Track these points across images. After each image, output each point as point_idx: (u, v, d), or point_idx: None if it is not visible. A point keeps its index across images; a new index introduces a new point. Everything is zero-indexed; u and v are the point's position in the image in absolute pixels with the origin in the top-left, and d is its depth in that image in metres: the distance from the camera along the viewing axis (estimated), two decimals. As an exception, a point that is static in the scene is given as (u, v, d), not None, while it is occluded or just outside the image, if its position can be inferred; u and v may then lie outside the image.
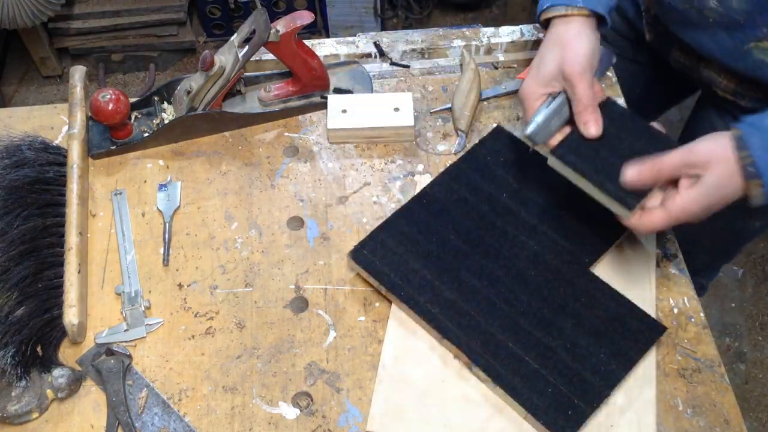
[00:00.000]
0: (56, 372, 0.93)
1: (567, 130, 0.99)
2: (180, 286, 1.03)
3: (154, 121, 1.19)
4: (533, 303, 0.97)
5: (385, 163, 1.16)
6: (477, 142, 1.14)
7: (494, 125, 1.19)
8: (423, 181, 1.12)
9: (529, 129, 0.98)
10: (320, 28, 2.71)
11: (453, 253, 1.01)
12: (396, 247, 1.02)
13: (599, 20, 1.01)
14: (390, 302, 1.00)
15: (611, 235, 1.03)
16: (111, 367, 0.94)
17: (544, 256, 1.01)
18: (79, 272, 1.00)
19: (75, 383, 0.94)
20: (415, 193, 1.09)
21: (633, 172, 0.87)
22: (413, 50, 1.30)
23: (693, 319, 0.99)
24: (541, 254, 1.01)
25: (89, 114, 1.16)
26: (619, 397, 0.91)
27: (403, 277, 0.99)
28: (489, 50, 1.31)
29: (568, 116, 0.99)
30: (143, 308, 1.00)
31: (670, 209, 0.86)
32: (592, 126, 0.95)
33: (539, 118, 0.98)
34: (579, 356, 0.92)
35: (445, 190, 1.08)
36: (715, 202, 0.85)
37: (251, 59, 1.17)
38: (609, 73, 1.25)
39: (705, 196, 0.84)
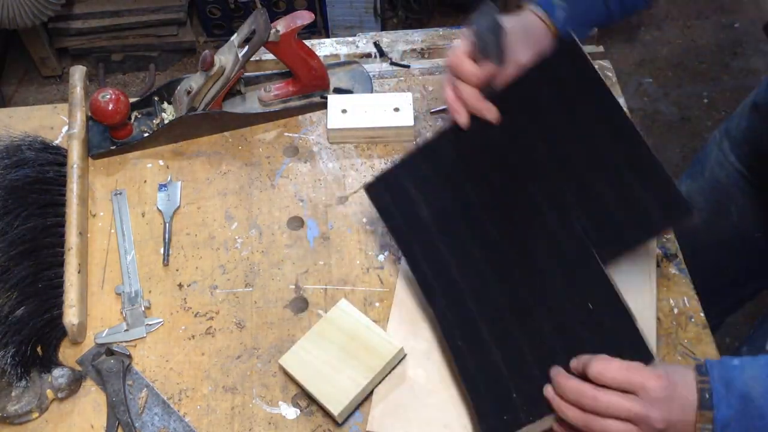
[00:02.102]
0: (56, 372, 0.93)
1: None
2: (180, 286, 1.03)
3: (154, 121, 1.19)
4: (525, 294, 0.89)
5: (385, 163, 1.16)
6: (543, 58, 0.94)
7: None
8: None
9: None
10: (320, 28, 2.71)
11: (465, 213, 0.94)
12: (412, 188, 0.97)
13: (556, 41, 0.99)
14: (390, 302, 1.00)
15: (640, 235, 0.88)
16: (111, 367, 0.94)
17: (560, 242, 0.88)
18: (79, 272, 1.00)
19: (75, 383, 0.94)
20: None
21: (549, 389, 0.81)
22: (413, 50, 1.30)
23: (693, 319, 0.99)
24: (556, 237, 0.88)
25: (89, 114, 1.16)
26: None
27: (408, 223, 0.96)
28: (489, 50, 1.30)
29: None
30: (143, 308, 1.00)
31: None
32: (491, 112, 0.93)
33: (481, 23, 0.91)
34: (545, 365, 0.83)
35: (478, 137, 0.94)
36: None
37: (251, 59, 1.17)
38: (609, 74, 1.26)
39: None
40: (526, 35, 0.95)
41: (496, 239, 0.92)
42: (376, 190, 1.00)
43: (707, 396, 0.74)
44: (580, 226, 0.88)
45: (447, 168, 0.96)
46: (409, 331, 0.98)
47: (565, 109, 0.91)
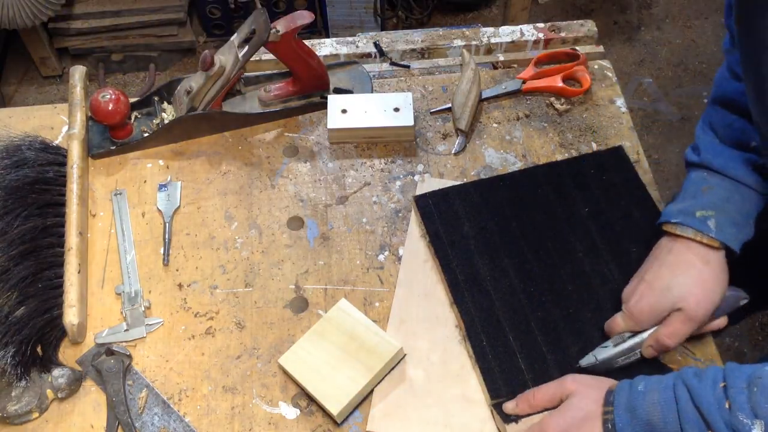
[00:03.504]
0: (56, 372, 0.93)
1: None
2: (180, 286, 1.03)
3: (154, 121, 1.19)
4: (554, 320, 0.97)
5: (385, 163, 1.16)
6: (593, 152, 1.15)
7: (495, 125, 1.19)
8: (424, 179, 1.12)
9: (585, 361, 0.92)
10: (320, 28, 2.70)
11: (504, 235, 1.04)
12: (459, 208, 1.06)
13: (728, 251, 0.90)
14: (390, 302, 1.00)
15: None
16: (111, 367, 0.94)
17: (586, 272, 1.01)
18: (79, 272, 1.00)
19: (75, 383, 0.94)
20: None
21: (510, 406, 0.89)
22: (413, 50, 1.30)
23: (693, 319, 0.98)
24: (584, 267, 1.01)
25: (89, 114, 1.16)
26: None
27: (450, 237, 1.03)
28: (489, 50, 1.31)
29: (636, 358, 0.92)
30: (143, 308, 1.00)
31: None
32: (650, 351, 0.90)
33: (602, 356, 0.91)
34: (563, 365, 0.93)
35: (530, 181, 1.10)
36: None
37: (251, 59, 1.17)
38: (609, 74, 1.26)
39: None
40: (701, 283, 0.88)
41: (530, 261, 1.02)
42: (424, 201, 1.08)
43: (609, 427, 0.79)
44: (607, 269, 1.01)
45: (496, 202, 1.07)
46: (409, 332, 0.98)
47: (607, 190, 1.08)
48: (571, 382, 0.85)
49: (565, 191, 1.09)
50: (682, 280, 0.88)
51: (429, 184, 1.12)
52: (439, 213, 1.06)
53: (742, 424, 0.71)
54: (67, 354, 0.98)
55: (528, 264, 1.01)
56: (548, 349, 0.94)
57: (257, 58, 1.27)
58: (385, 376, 0.94)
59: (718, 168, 0.93)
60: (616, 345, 0.91)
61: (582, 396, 0.83)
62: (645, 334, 0.90)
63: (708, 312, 0.88)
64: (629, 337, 0.91)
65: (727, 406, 0.72)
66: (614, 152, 1.14)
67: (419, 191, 1.11)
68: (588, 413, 0.81)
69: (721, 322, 0.92)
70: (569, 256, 1.02)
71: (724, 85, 0.97)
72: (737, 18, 0.81)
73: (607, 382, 0.84)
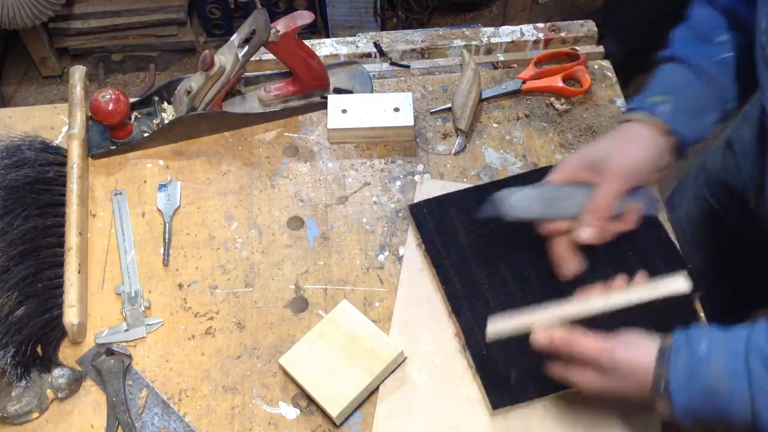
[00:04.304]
0: (56, 372, 0.93)
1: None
2: (180, 286, 1.03)
3: (154, 121, 1.19)
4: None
5: (385, 163, 1.16)
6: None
7: (495, 125, 1.19)
8: (423, 181, 1.12)
9: (506, 193, 0.91)
10: (320, 28, 2.70)
11: (504, 248, 1.01)
12: (454, 217, 1.04)
13: (679, 144, 0.91)
14: (390, 302, 1.00)
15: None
16: (111, 367, 0.94)
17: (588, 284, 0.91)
18: (79, 272, 1.00)
19: (75, 383, 0.94)
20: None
21: (542, 336, 0.81)
22: (413, 50, 1.30)
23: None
24: (586, 283, 0.90)
25: (89, 114, 1.16)
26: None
27: (446, 246, 1.02)
28: (489, 50, 1.31)
29: (555, 213, 0.90)
30: (143, 308, 1.00)
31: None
32: (588, 232, 0.87)
33: (525, 192, 0.91)
34: None
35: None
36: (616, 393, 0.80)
37: (251, 59, 1.17)
38: (609, 73, 1.26)
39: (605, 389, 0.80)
40: (629, 143, 0.88)
41: (527, 268, 0.99)
42: (419, 209, 1.06)
43: (663, 385, 0.74)
44: (606, 273, 0.91)
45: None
46: (412, 334, 0.98)
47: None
48: (622, 348, 0.77)
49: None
50: (616, 140, 0.89)
51: (428, 184, 1.12)
52: (434, 221, 1.04)
53: None
54: (67, 354, 0.98)
55: (525, 271, 0.99)
56: (548, 356, 0.92)
57: (257, 58, 1.27)
58: (386, 378, 0.94)
59: (680, 56, 0.92)
60: (539, 187, 0.91)
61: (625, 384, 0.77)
62: (572, 187, 0.90)
63: (633, 169, 0.86)
64: (560, 187, 0.90)
65: None
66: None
67: (418, 192, 1.11)
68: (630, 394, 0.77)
69: (636, 207, 0.90)
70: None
71: None
72: None
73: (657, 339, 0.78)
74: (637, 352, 0.77)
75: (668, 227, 1.04)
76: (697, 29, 0.94)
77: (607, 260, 0.97)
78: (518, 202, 0.90)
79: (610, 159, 0.87)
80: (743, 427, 0.72)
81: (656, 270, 0.89)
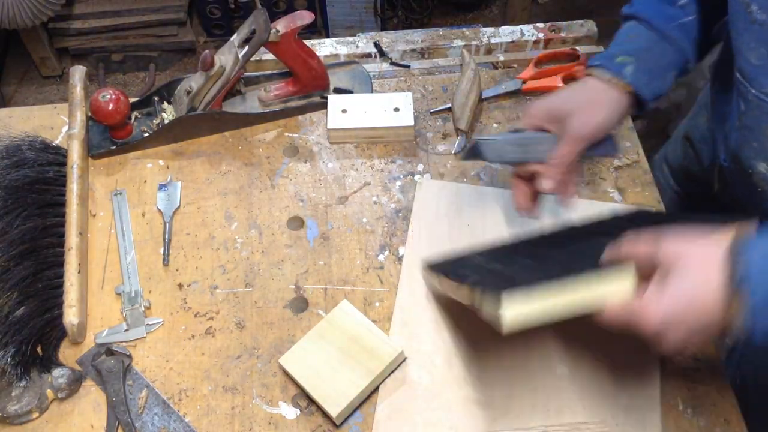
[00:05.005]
0: (56, 372, 0.93)
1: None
2: (180, 286, 1.03)
3: (154, 121, 1.19)
4: None
5: (385, 163, 1.16)
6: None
7: (495, 125, 1.19)
8: (423, 181, 1.12)
9: (483, 137, 0.96)
10: (320, 28, 2.70)
11: (518, 246, 0.98)
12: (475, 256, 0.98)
13: (639, 101, 0.95)
14: (390, 302, 1.00)
15: None
16: (111, 367, 0.94)
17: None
18: (79, 272, 1.00)
19: (75, 383, 0.94)
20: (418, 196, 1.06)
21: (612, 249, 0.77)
22: (413, 50, 1.30)
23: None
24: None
25: (89, 114, 1.16)
26: (623, 397, 0.91)
27: (462, 270, 0.94)
28: (489, 50, 1.31)
29: (528, 157, 0.95)
30: (143, 308, 1.00)
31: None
32: (549, 183, 0.92)
33: (499, 138, 0.96)
34: None
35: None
36: (684, 310, 0.68)
37: (251, 59, 1.17)
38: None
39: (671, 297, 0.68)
40: (591, 105, 0.92)
41: (546, 255, 0.93)
42: (433, 266, 1.00)
43: (736, 275, 0.64)
44: None
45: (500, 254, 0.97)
46: (412, 334, 0.98)
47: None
48: (673, 245, 0.69)
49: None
50: (580, 96, 0.94)
51: (428, 184, 1.12)
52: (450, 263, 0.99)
53: None
54: (67, 354, 0.98)
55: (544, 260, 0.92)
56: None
57: (257, 58, 1.27)
58: (386, 378, 0.94)
59: (644, 17, 0.95)
60: (514, 133, 0.96)
61: (692, 259, 0.67)
62: (541, 134, 0.95)
63: (593, 130, 0.91)
64: (535, 133, 0.95)
65: None
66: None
67: (418, 192, 1.10)
68: (704, 281, 0.65)
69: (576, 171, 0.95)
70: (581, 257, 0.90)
71: None
72: None
73: (718, 236, 0.68)
74: (698, 241, 0.68)
75: None
76: None
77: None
78: (497, 148, 0.96)
79: (573, 117, 0.92)
80: None
81: None
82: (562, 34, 1.30)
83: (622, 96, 0.93)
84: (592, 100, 0.92)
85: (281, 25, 1.11)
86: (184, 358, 0.97)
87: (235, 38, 1.13)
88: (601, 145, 0.95)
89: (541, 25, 1.32)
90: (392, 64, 1.29)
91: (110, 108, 1.11)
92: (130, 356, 0.96)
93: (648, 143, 1.26)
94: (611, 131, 0.95)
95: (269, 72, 1.25)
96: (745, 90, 0.86)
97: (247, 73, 1.22)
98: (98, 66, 2.66)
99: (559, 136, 0.93)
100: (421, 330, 0.98)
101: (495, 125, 1.19)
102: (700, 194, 1.23)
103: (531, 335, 0.92)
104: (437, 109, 1.22)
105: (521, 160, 0.96)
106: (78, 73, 1.20)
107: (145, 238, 1.08)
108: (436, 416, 0.91)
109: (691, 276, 0.67)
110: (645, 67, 0.93)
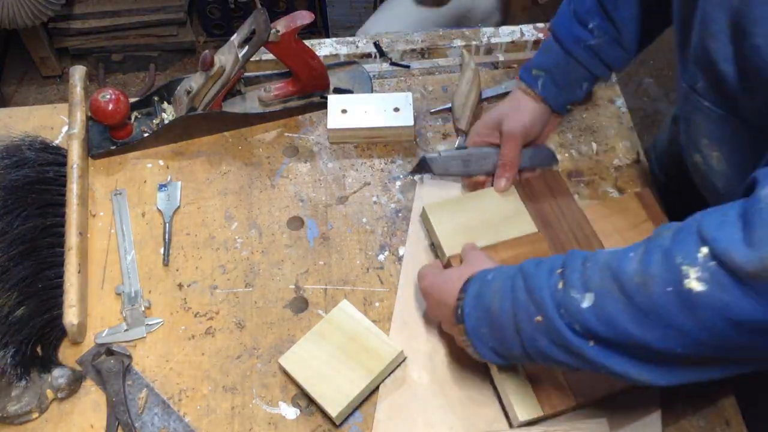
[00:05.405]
0: (56, 372, 0.93)
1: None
2: (180, 286, 1.03)
3: (154, 121, 1.19)
4: None
5: (385, 163, 1.16)
6: None
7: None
8: (423, 181, 1.12)
9: (429, 154, 1.09)
10: (320, 28, 2.70)
11: None
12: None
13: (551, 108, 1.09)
14: (390, 302, 1.00)
15: None
16: (111, 367, 0.94)
17: None
18: (79, 272, 1.00)
19: (75, 383, 0.94)
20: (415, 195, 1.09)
21: None
22: (413, 50, 1.30)
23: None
24: None
25: (89, 114, 1.16)
26: (623, 398, 0.91)
27: None
28: (489, 50, 1.31)
29: (471, 170, 1.09)
30: (143, 308, 1.00)
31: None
32: (503, 181, 1.06)
33: (444, 153, 1.09)
34: None
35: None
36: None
37: (251, 59, 1.17)
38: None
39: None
40: (516, 111, 1.07)
41: None
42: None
43: (459, 312, 0.82)
44: None
45: None
46: (412, 334, 0.98)
47: None
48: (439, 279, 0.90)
49: None
50: (509, 105, 1.09)
51: (428, 184, 1.12)
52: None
53: (572, 299, 0.70)
54: (67, 354, 0.98)
55: None
56: None
57: (257, 58, 1.27)
58: (386, 378, 0.94)
59: (557, 35, 1.06)
60: (458, 148, 1.11)
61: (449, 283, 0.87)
62: (485, 149, 1.09)
63: (521, 131, 1.05)
64: (476, 149, 1.10)
65: (560, 286, 0.72)
66: None
67: (418, 191, 1.10)
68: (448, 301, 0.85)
69: (535, 173, 1.10)
70: None
71: None
72: None
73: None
74: (449, 285, 0.87)
75: None
76: (576, 7, 1.04)
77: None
78: (442, 163, 1.09)
79: (504, 121, 1.07)
80: (516, 348, 0.77)
81: None
82: (562, 34, 1.30)
83: (539, 104, 1.08)
84: (517, 107, 1.08)
85: (281, 25, 1.11)
86: (184, 358, 0.97)
87: (235, 38, 1.13)
88: (541, 156, 1.10)
89: (541, 25, 1.32)
90: (392, 64, 1.29)
91: (110, 108, 1.11)
92: (130, 356, 0.96)
93: (647, 143, 1.27)
94: (540, 134, 1.10)
95: (269, 72, 1.25)
96: (679, 79, 0.90)
97: (247, 73, 1.22)
98: (98, 66, 2.66)
99: (500, 142, 1.07)
100: (421, 330, 0.98)
101: (495, 125, 1.19)
102: (682, 179, 1.25)
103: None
104: (437, 109, 1.22)
105: (465, 174, 1.10)
106: (78, 73, 1.20)
107: (145, 238, 1.08)
108: (436, 416, 0.91)
109: (451, 275, 0.88)
110: (554, 81, 1.06)
